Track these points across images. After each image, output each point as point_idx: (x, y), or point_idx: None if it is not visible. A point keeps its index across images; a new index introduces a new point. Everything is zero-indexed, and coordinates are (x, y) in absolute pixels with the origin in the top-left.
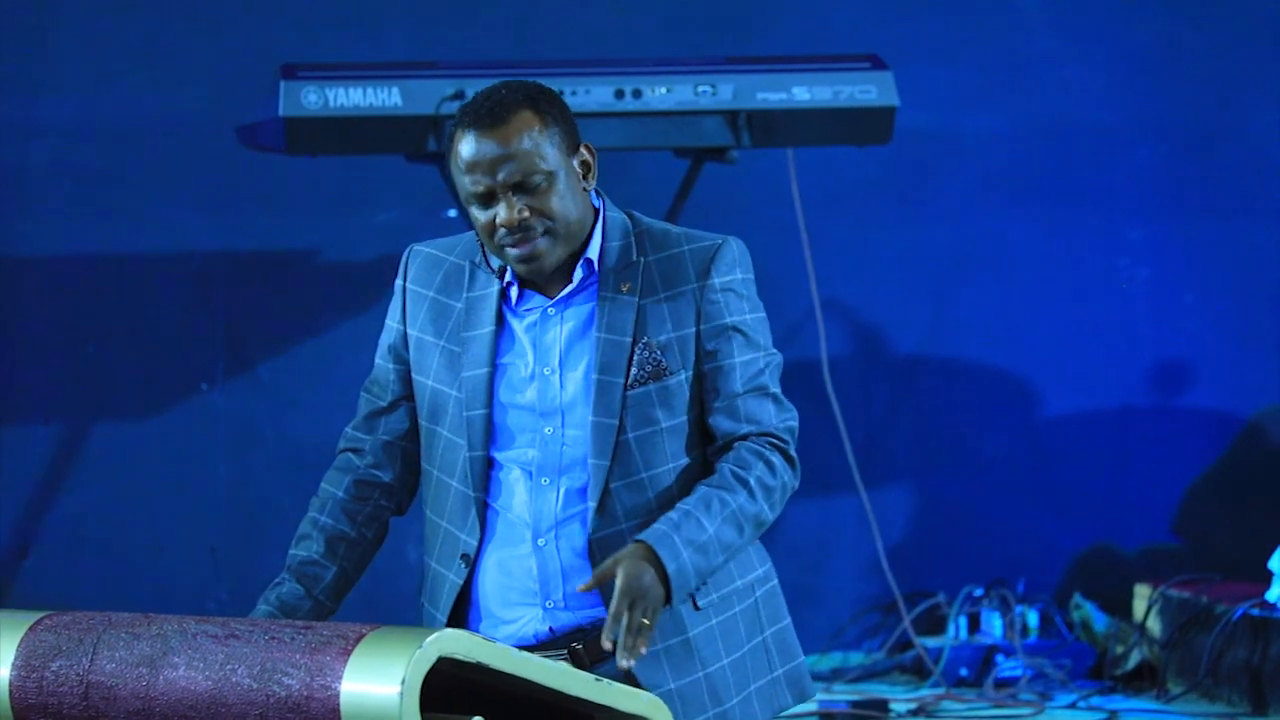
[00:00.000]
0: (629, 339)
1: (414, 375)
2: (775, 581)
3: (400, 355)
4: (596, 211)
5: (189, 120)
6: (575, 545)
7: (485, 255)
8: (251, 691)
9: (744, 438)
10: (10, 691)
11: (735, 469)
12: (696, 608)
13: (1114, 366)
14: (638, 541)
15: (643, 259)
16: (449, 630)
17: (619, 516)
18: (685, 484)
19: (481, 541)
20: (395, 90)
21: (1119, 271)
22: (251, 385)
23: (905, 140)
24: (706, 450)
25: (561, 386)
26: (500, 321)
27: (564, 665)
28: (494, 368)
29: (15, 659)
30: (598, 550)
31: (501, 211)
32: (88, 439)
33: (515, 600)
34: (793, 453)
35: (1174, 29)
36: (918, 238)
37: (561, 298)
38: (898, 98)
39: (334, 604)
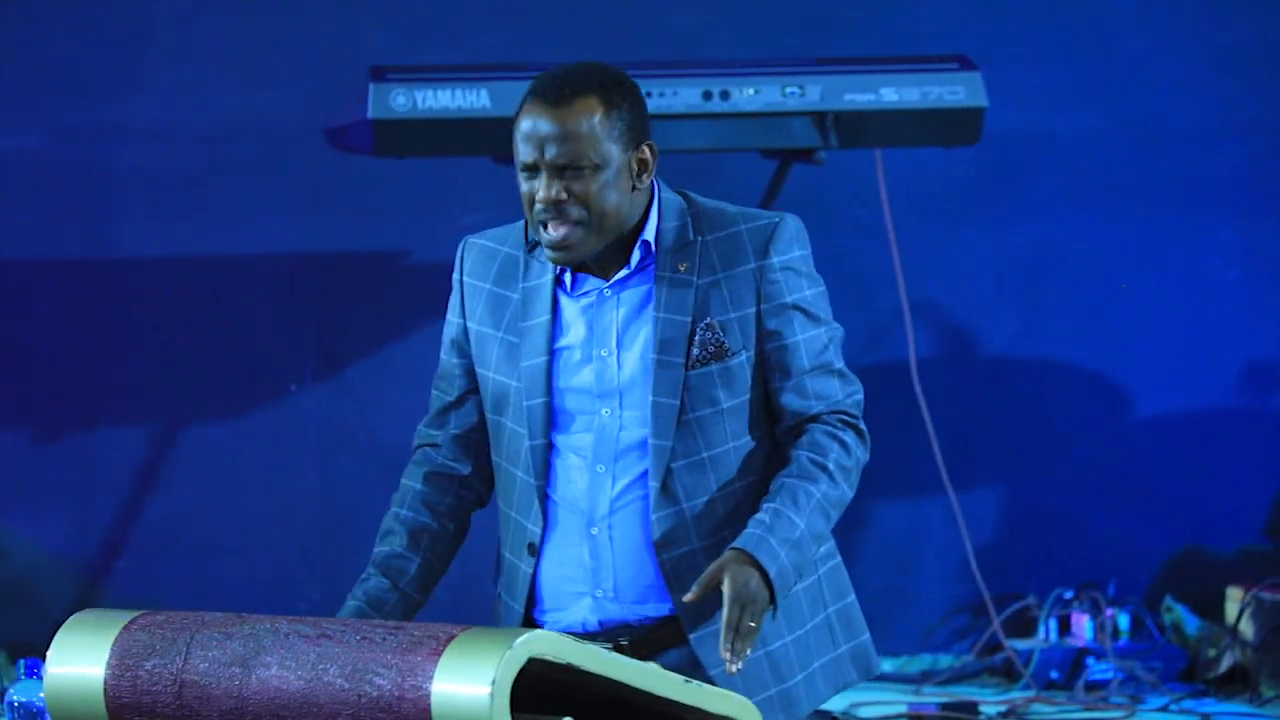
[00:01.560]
0: (689, 319)
1: (477, 369)
2: (839, 559)
3: (463, 349)
4: (651, 195)
5: (279, 123)
6: (628, 535)
7: (527, 236)
8: (343, 691)
9: (814, 418)
10: (105, 690)
11: (812, 456)
12: None
13: (1205, 367)
14: (735, 549)
15: (700, 238)
16: (539, 631)
17: (680, 497)
18: (746, 463)
19: (544, 531)
20: (484, 92)
21: (1211, 272)
22: (340, 387)
23: (994, 141)
24: (775, 429)
25: (619, 367)
26: (555, 308)
27: (653, 666)
28: (551, 355)
29: (110, 658)
30: (659, 531)
31: (541, 188)
32: (179, 440)
33: (568, 589)
34: (862, 426)
35: (1266, 27)
36: (1006, 239)
37: (618, 280)
38: (986, 98)
39: (421, 596)
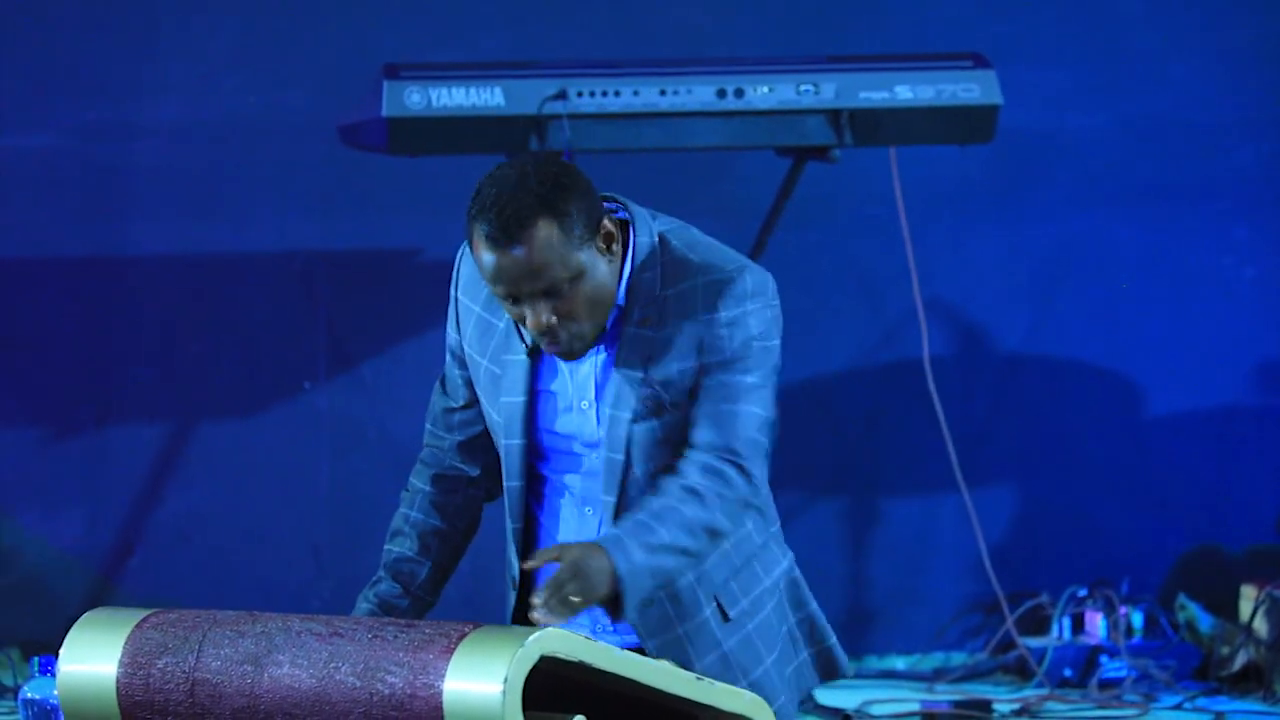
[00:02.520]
0: (640, 374)
1: (474, 383)
2: (797, 573)
3: (461, 360)
4: (626, 247)
5: (292, 120)
6: None
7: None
8: (355, 690)
9: (700, 448)
10: (118, 688)
11: (682, 481)
12: (726, 619)
13: (1219, 366)
14: (590, 543)
15: (665, 292)
16: (551, 629)
17: None
18: None
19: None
20: (498, 90)
21: (1224, 271)
22: (354, 384)
23: (1008, 139)
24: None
25: (598, 422)
26: (533, 354)
27: (666, 664)
28: (533, 395)
29: (122, 656)
30: None
31: (529, 316)
32: (191, 438)
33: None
34: (748, 466)
35: (1278, 26)
36: (1020, 237)
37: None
38: (1001, 96)
39: (432, 597)
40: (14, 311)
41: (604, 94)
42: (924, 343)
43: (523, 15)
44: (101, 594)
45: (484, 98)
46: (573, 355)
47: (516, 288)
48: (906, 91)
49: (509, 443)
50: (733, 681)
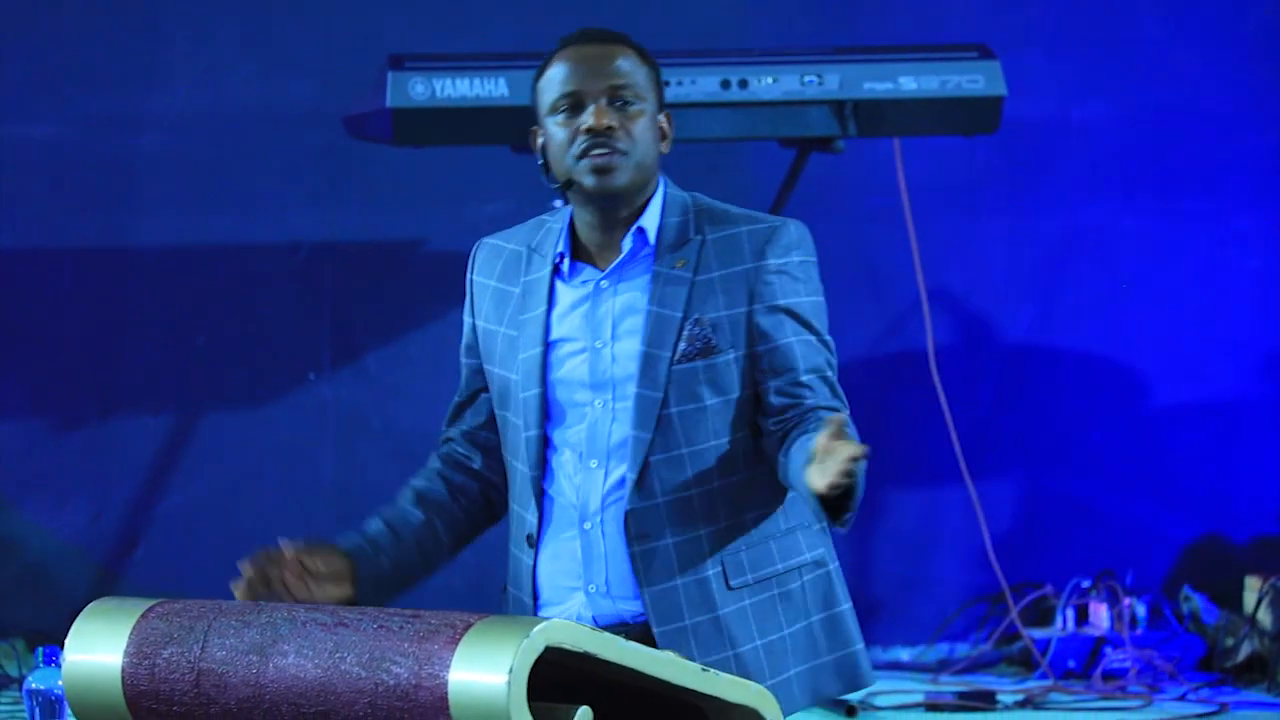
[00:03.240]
0: (679, 314)
1: (484, 365)
2: (830, 568)
3: (473, 350)
4: (656, 185)
5: (296, 111)
6: (620, 530)
7: (538, 245)
8: (360, 680)
9: (812, 408)
10: (123, 678)
11: (833, 405)
12: (729, 586)
13: (1223, 356)
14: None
15: (700, 236)
16: (556, 620)
17: (655, 491)
18: (726, 462)
19: (541, 525)
20: (502, 81)
21: (1228, 261)
22: (359, 375)
23: (1013, 130)
24: (762, 423)
25: (613, 360)
26: (551, 299)
27: (671, 655)
28: (547, 346)
29: (128, 646)
30: (633, 523)
31: (589, 116)
32: (196, 429)
33: (562, 584)
34: (840, 390)
35: None
36: (1025, 227)
37: (612, 269)
38: (1005, 87)
39: (419, 556)
40: (19, 302)
41: None
42: (928, 334)
43: (527, 6)
44: (106, 584)
45: (488, 89)
46: (610, 174)
47: (589, 82)
48: (911, 82)
49: (527, 394)
50: (718, 649)
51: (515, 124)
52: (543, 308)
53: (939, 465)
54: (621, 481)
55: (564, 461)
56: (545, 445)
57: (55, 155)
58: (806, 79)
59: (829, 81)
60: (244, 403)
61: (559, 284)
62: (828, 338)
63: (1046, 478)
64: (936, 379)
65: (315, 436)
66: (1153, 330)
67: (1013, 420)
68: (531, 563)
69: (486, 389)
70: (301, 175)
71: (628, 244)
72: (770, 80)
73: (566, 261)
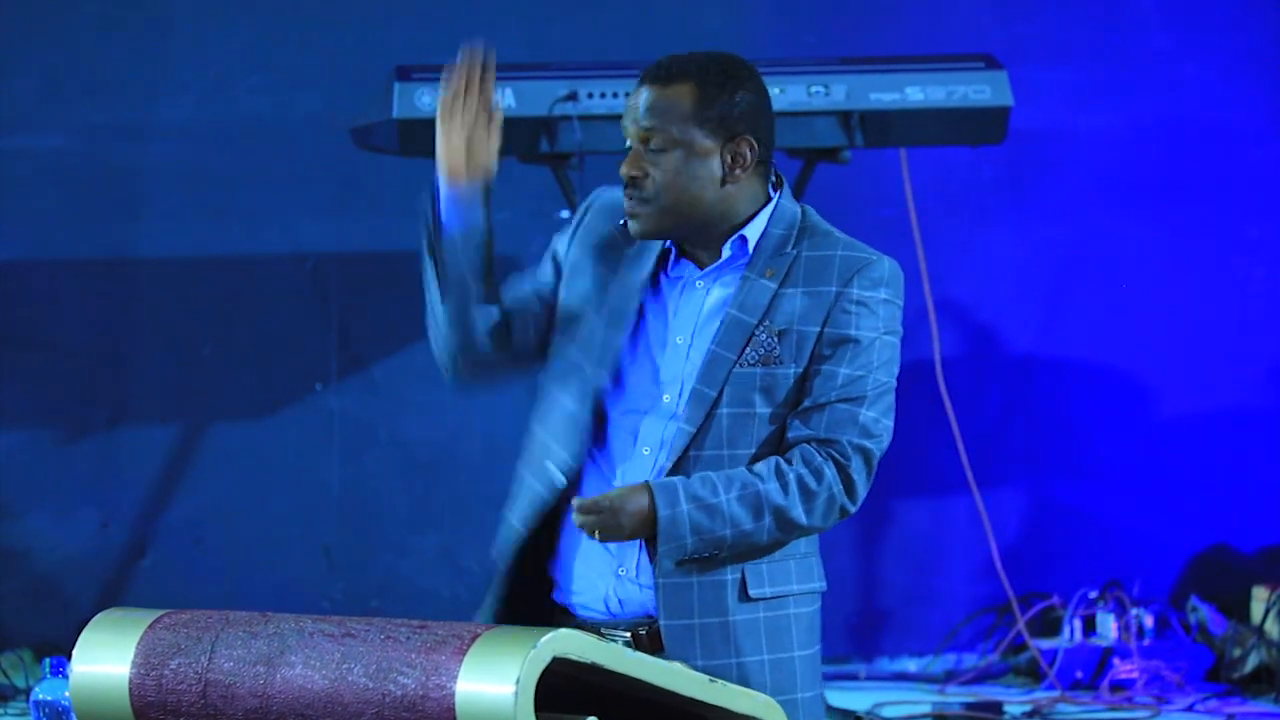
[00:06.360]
0: (754, 320)
1: (561, 289)
2: (814, 609)
3: (557, 262)
4: (767, 198)
5: (304, 122)
6: None
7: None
8: (367, 690)
9: (806, 441)
10: (130, 689)
11: (780, 462)
12: (748, 596)
13: (1230, 366)
14: (642, 484)
15: (796, 251)
16: (563, 630)
17: None
18: None
19: (580, 480)
20: (508, 92)
21: (1235, 271)
22: (365, 385)
23: (1019, 140)
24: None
25: (687, 357)
26: (652, 283)
27: (678, 665)
28: (634, 327)
29: (135, 657)
30: None
31: (626, 161)
32: (203, 439)
33: (593, 560)
34: (850, 468)
35: None
36: (1032, 238)
37: (710, 270)
38: (1011, 97)
39: (484, 266)
40: (27, 312)
41: (615, 95)
42: (935, 343)
43: (534, 17)
44: (113, 595)
45: (495, 100)
46: (634, 218)
47: (628, 125)
48: (917, 93)
49: (601, 369)
50: (722, 655)
51: (521, 134)
52: (640, 287)
53: (946, 476)
54: (661, 470)
55: (618, 438)
56: (604, 418)
57: (63, 166)
58: (813, 89)
59: (835, 92)
60: (251, 413)
61: (660, 275)
62: (884, 376)
63: (1053, 488)
64: (943, 389)
65: (322, 447)
66: (1159, 341)
67: (1019, 430)
68: (547, 492)
69: (540, 295)
70: (309, 186)
71: (728, 250)
72: (777, 91)
73: (672, 255)
